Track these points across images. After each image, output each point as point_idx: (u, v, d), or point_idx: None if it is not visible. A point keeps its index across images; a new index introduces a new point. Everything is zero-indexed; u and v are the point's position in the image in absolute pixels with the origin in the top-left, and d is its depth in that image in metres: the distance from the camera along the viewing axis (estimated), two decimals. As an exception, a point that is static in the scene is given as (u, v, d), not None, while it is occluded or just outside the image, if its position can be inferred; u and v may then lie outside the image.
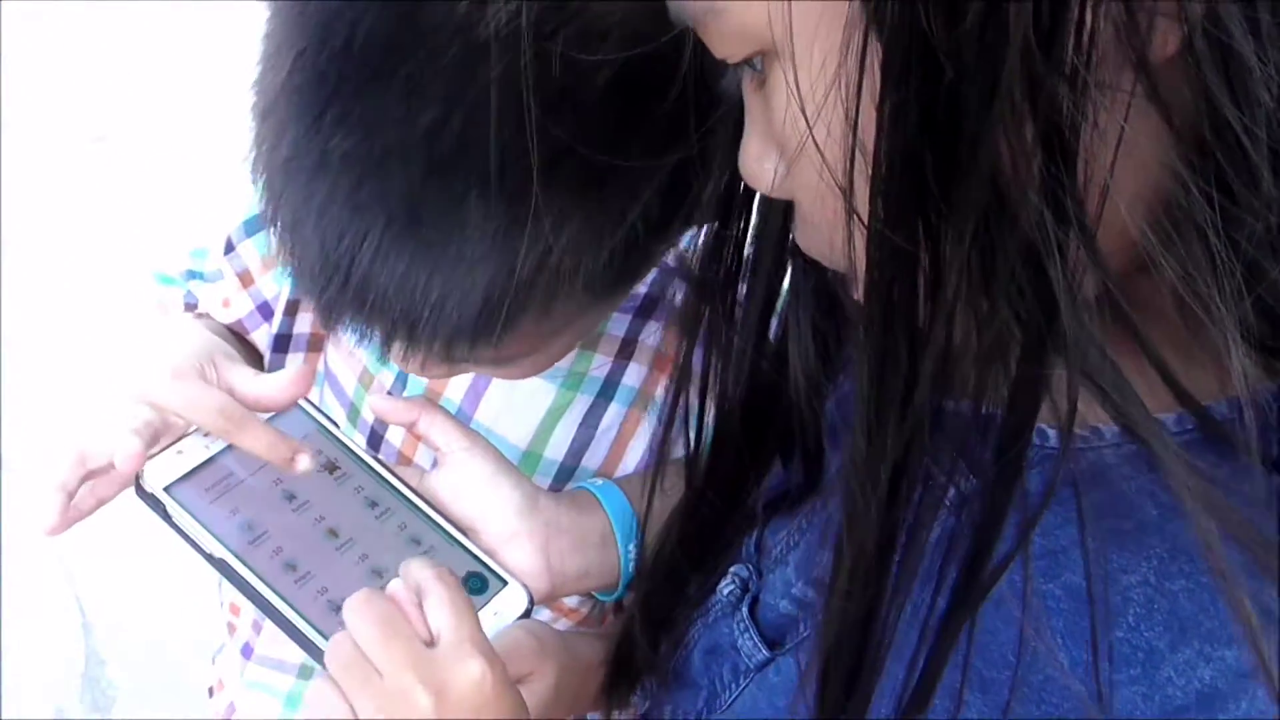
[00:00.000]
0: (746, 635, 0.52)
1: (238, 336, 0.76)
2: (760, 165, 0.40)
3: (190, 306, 0.78)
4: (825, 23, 0.33)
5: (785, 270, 0.51)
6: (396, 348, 0.52)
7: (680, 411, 0.54)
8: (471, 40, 0.45)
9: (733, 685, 0.52)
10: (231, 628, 0.84)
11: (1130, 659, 0.37)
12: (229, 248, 0.73)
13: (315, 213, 0.48)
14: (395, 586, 0.53)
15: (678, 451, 0.70)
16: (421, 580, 0.53)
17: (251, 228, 0.72)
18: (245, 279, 0.74)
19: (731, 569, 0.56)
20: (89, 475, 0.57)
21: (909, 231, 0.32)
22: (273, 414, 0.60)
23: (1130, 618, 0.37)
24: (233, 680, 0.84)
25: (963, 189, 0.31)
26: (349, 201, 0.47)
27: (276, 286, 0.73)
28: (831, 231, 0.35)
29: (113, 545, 1.50)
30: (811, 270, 0.49)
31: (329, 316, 0.52)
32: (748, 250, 0.50)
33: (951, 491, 0.36)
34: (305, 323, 0.74)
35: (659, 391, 0.68)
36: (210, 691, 0.88)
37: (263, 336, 0.75)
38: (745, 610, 0.53)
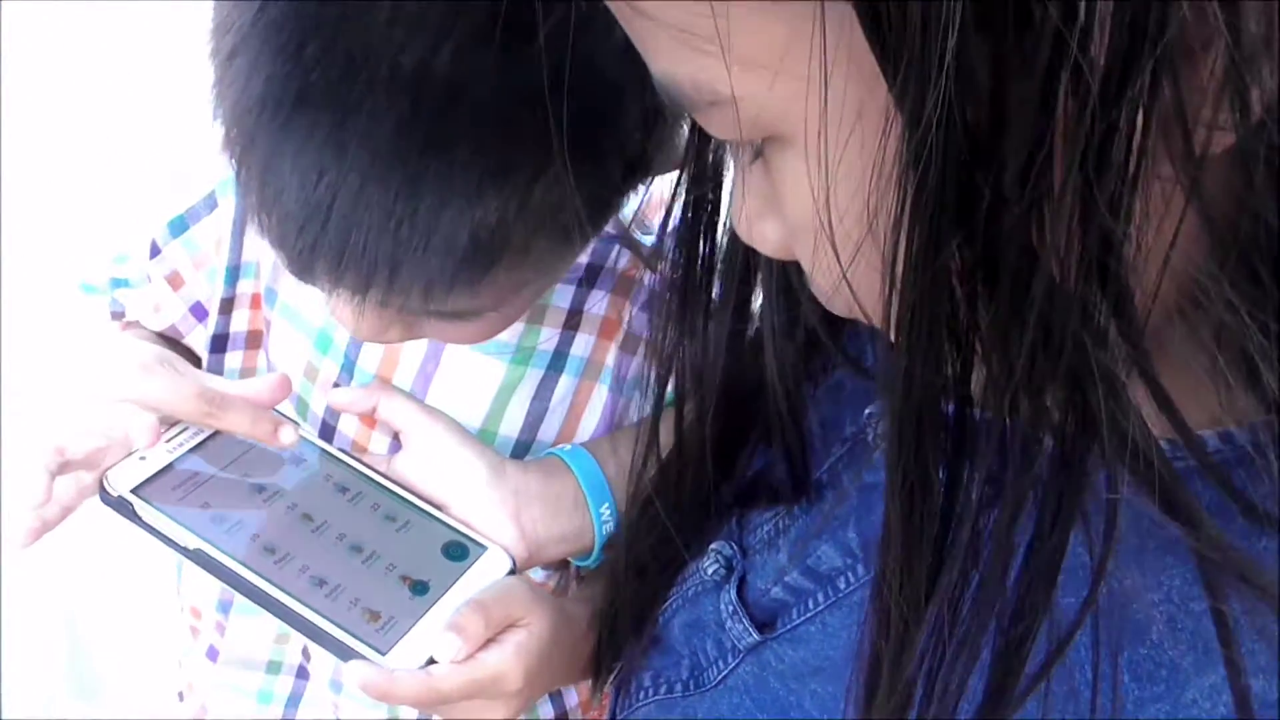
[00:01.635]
0: (735, 618, 0.53)
1: (171, 343, 0.74)
2: (757, 227, 0.39)
3: (117, 315, 0.76)
4: (849, 125, 0.30)
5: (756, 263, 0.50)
6: (373, 295, 0.50)
7: (653, 386, 0.54)
8: None
9: (719, 661, 0.53)
10: (194, 630, 0.83)
11: (1154, 676, 0.37)
12: (155, 251, 0.72)
13: (293, 152, 0.47)
14: None
15: (634, 416, 0.71)
16: None
17: (177, 228, 0.71)
18: (175, 281, 0.72)
19: (713, 545, 0.56)
20: (67, 466, 0.55)
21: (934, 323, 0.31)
22: None
23: (1154, 634, 0.37)
24: (201, 683, 0.84)
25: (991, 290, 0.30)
26: (331, 139, 0.46)
27: (209, 286, 0.71)
28: (840, 292, 0.34)
29: (93, 535, 1.49)
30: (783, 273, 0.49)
31: (303, 264, 0.51)
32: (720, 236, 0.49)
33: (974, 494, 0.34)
34: (242, 320, 0.72)
35: (609, 358, 0.69)
36: (180, 696, 0.87)
37: (199, 338, 0.74)
38: (733, 593, 0.53)
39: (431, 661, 0.55)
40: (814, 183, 0.32)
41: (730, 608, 0.53)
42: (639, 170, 0.52)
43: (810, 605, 0.50)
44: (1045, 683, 0.35)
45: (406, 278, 0.49)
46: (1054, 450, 0.32)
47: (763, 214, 0.39)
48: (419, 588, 0.58)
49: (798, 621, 0.50)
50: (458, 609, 0.57)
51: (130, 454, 0.58)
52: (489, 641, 0.57)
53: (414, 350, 0.67)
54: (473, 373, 0.67)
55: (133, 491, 0.57)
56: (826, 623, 0.49)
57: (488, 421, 0.68)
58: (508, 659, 0.56)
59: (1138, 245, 0.28)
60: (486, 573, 0.60)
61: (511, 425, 0.69)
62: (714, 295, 0.52)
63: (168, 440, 0.60)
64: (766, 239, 0.39)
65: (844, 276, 0.33)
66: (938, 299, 0.30)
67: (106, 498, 0.57)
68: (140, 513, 0.56)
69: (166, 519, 0.56)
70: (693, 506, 0.57)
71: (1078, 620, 0.34)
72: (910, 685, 0.36)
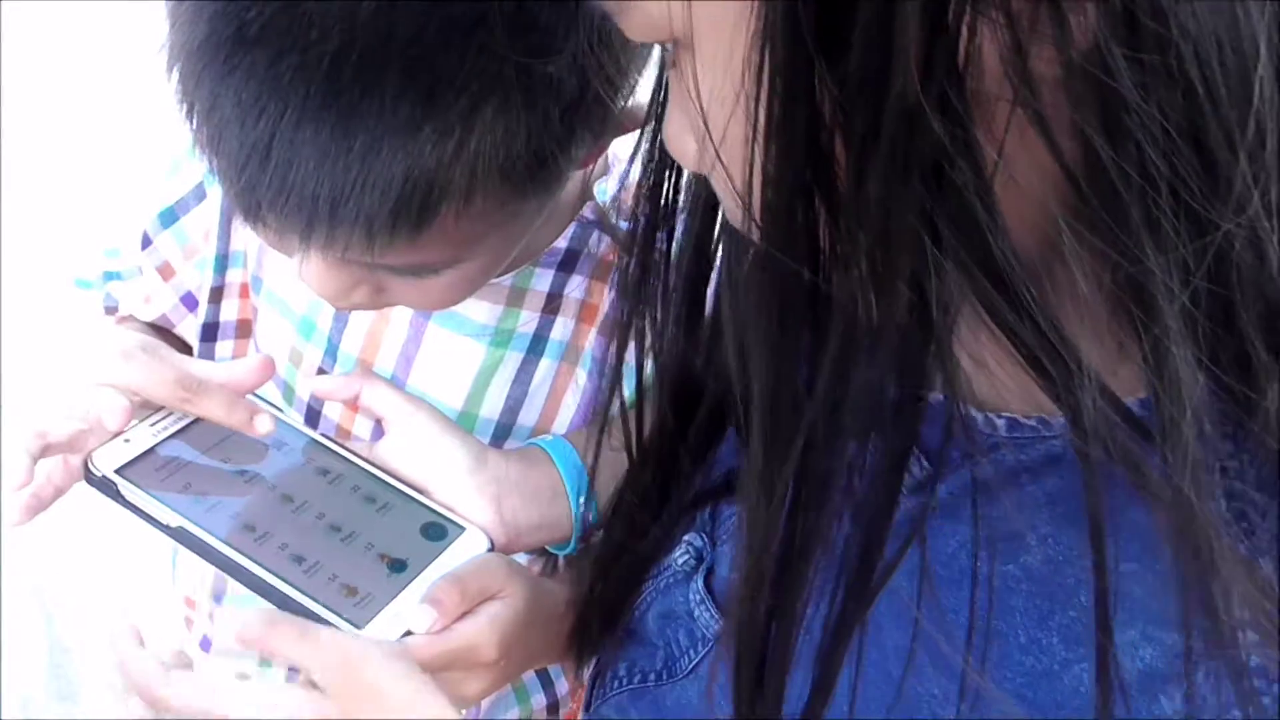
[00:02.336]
0: (703, 606, 0.53)
1: (164, 333, 0.76)
2: (681, 141, 0.41)
3: (110, 310, 0.78)
4: (729, 29, 0.33)
5: (715, 236, 0.51)
6: (317, 238, 0.52)
7: (614, 371, 0.55)
8: None
9: (691, 651, 0.53)
10: (189, 621, 0.84)
11: (1082, 638, 0.38)
12: (146, 242, 0.73)
13: (234, 90, 0.48)
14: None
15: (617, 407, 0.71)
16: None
17: (167, 219, 0.72)
18: (166, 272, 0.74)
19: (685, 537, 0.56)
20: (48, 449, 0.57)
21: (793, 243, 0.34)
22: None
23: (1083, 598, 0.38)
24: (195, 673, 0.85)
25: (849, 214, 0.32)
26: (269, 76, 0.48)
27: (199, 275, 0.73)
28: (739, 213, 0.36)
29: (71, 533, 1.48)
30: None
31: (249, 204, 0.52)
32: (679, 217, 0.50)
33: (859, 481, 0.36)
34: (232, 309, 0.74)
35: (588, 343, 0.70)
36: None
37: (189, 328, 0.75)
38: (700, 582, 0.54)
39: (408, 634, 0.56)
40: (685, 71, 0.35)
41: (698, 596, 0.54)
42: (578, 123, 0.52)
43: None
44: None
45: (346, 218, 0.50)
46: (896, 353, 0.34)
47: (683, 127, 0.40)
48: (397, 565, 0.59)
49: None
50: (434, 584, 0.58)
51: (115, 436, 0.59)
52: (465, 614, 0.57)
53: (395, 333, 0.69)
54: (453, 355, 0.68)
55: (116, 472, 0.58)
56: None
57: (468, 404, 0.69)
58: (482, 630, 0.56)
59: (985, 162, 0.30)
60: (464, 551, 0.61)
61: (492, 408, 0.69)
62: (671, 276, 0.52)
63: (152, 424, 0.61)
64: (686, 153, 0.41)
65: (716, 154, 0.35)
66: (797, 166, 0.32)
67: (91, 478, 0.58)
68: (124, 492, 0.57)
69: (149, 498, 0.57)
70: (661, 496, 0.57)
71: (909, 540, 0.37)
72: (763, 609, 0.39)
